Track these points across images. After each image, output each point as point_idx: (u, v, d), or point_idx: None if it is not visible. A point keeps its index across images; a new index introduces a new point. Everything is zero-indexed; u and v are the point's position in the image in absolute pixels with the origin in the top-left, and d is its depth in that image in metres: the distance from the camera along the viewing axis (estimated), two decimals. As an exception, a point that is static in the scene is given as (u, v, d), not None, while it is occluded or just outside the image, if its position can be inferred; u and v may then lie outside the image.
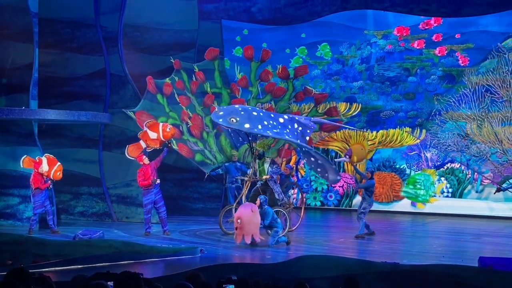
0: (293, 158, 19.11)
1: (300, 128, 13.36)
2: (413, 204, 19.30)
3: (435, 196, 19.41)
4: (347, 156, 14.39)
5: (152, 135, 14.17)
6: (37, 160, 14.04)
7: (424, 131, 19.54)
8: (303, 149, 13.29)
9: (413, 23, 19.70)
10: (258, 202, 12.79)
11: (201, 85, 16.24)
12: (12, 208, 15.07)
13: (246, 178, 14.03)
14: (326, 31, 20.66)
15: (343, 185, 19.84)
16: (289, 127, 13.19)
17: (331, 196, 19.91)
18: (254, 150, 14.01)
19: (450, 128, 18.69)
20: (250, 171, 14.00)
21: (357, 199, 19.76)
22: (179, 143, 15.82)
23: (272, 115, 13.33)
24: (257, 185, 13.90)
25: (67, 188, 15.70)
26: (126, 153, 14.30)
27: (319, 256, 10.62)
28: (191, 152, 15.94)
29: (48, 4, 16.02)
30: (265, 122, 12.82)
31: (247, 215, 12.40)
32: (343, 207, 19.90)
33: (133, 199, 16.10)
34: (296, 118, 13.68)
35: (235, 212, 13.91)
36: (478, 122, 17.69)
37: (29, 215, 14.64)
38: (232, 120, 12.68)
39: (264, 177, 13.93)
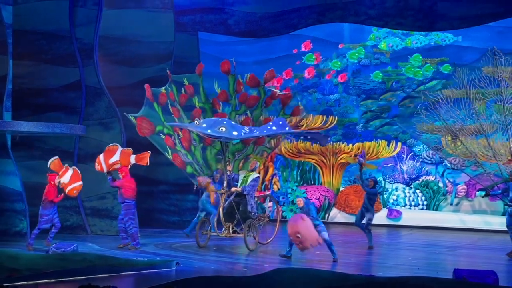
0: (270, 170, 19.06)
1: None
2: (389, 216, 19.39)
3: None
4: (362, 158, 14.34)
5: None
6: (64, 168, 13.61)
7: (399, 143, 19.68)
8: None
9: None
10: (301, 202, 12.51)
11: (190, 98, 16.09)
12: (-14, 221, 14.87)
13: (219, 192, 14.00)
14: (301, 45, 20.77)
15: (319, 197, 19.83)
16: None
17: (307, 209, 19.87)
18: (227, 159, 14.03)
19: (425, 141, 18.85)
20: (224, 184, 13.96)
21: (334, 211, 19.82)
22: (173, 153, 15.71)
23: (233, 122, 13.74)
24: (230, 198, 13.86)
25: (41, 201, 15.49)
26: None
27: (295, 269, 10.60)
28: (183, 163, 15.82)
29: (22, 15, 15.91)
30: (245, 129, 13.08)
31: (303, 227, 12.03)
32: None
33: (107, 212, 15.96)
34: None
35: (213, 223, 13.92)
36: (453, 135, 17.79)
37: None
38: (222, 129, 12.83)
39: (233, 189, 13.87)
